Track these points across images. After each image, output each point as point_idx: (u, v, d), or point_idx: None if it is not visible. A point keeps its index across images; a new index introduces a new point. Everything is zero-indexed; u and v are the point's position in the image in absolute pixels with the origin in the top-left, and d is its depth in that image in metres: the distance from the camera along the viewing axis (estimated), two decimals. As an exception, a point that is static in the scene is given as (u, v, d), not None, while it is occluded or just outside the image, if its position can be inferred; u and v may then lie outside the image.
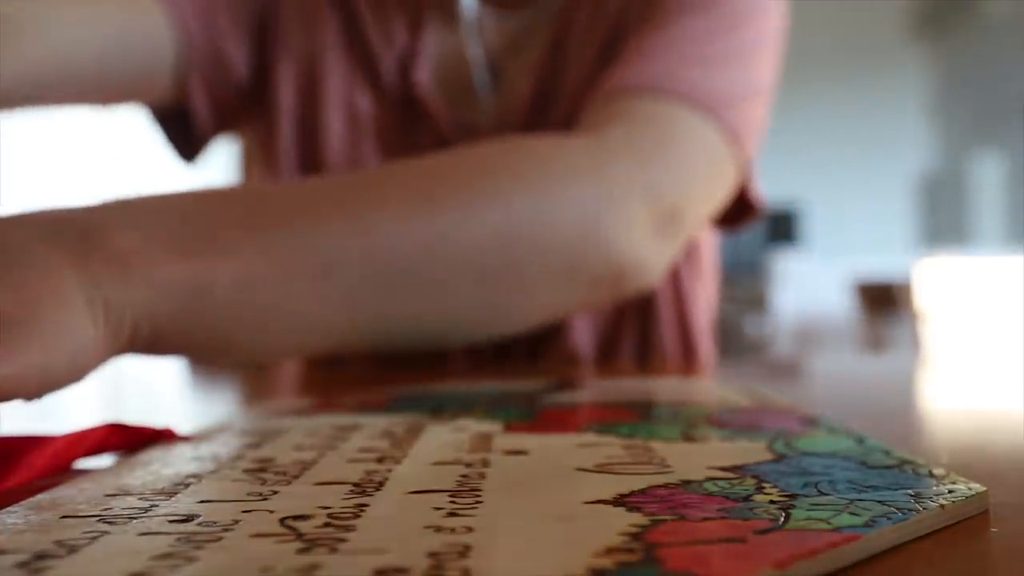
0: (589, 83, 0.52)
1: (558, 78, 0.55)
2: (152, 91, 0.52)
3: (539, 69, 0.55)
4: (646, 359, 0.59)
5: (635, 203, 0.42)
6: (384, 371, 0.55)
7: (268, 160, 0.57)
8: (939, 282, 2.96)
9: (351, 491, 0.21)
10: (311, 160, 0.55)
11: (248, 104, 0.56)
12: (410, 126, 0.55)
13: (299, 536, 0.17)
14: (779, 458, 0.24)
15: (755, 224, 0.60)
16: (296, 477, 0.22)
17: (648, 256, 0.43)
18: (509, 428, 0.29)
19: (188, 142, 0.56)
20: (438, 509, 0.19)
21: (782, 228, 4.40)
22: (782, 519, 0.18)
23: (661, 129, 0.45)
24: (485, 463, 0.24)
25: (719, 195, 0.49)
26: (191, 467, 0.24)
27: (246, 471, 0.23)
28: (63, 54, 0.44)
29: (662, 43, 0.48)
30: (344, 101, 0.55)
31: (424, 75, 0.55)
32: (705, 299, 0.63)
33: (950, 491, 0.20)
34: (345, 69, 0.55)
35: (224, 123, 0.56)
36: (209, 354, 0.32)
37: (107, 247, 0.29)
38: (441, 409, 0.33)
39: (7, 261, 0.28)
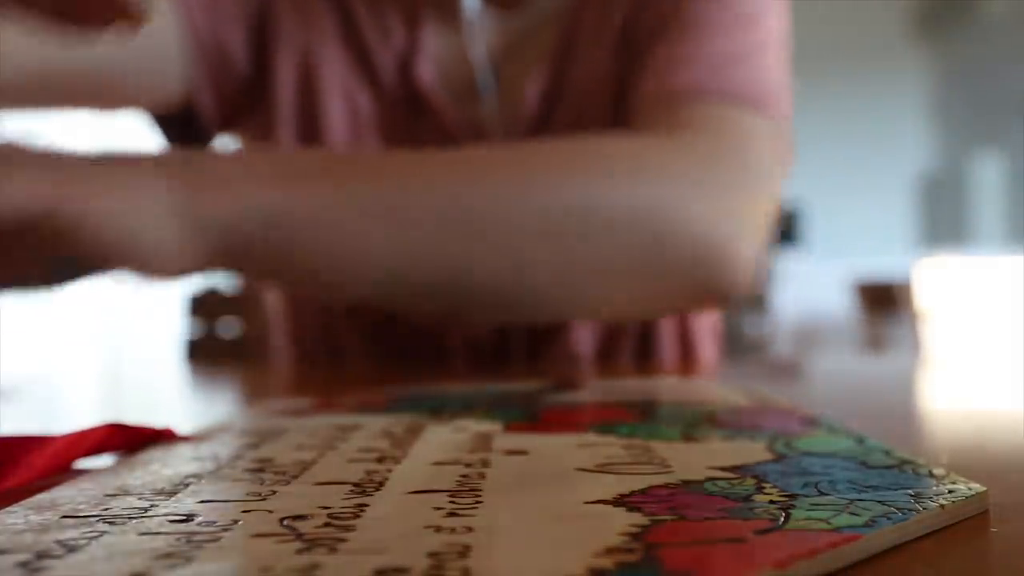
0: (600, 83, 0.53)
1: (565, 77, 0.55)
2: (158, 86, 0.51)
3: (547, 68, 0.55)
4: (646, 361, 0.59)
5: (733, 206, 0.42)
6: (384, 371, 0.55)
7: None
8: (939, 282, 2.96)
9: (351, 491, 0.21)
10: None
11: (250, 100, 0.56)
12: (412, 123, 0.55)
13: (299, 536, 0.17)
14: (779, 458, 0.24)
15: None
16: (296, 477, 0.22)
17: (749, 256, 0.43)
18: (509, 428, 0.29)
19: (190, 145, 0.56)
20: (438, 509, 0.19)
21: (782, 228, 4.40)
22: (782, 519, 0.18)
23: (736, 133, 0.46)
24: (485, 463, 0.24)
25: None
26: (191, 467, 0.24)
27: (246, 471, 0.23)
28: None
29: (694, 44, 0.48)
30: (343, 94, 0.55)
31: (427, 71, 0.55)
32: None
33: (950, 491, 0.20)
34: (343, 63, 0.55)
35: (228, 120, 0.56)
36: (282, 277, 0.35)
37: (207, 171, 0.33)
38: (441, 409, 0.33)
39: (112, 170, 0.32)
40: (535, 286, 0.38)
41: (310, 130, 0.55)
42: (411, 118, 0.55)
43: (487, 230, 0.36)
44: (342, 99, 0.55)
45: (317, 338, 0.61)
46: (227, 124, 0.57)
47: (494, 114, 0.55)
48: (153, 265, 0.32)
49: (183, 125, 0.55)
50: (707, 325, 0.63)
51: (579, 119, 0.53)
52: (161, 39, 0.50)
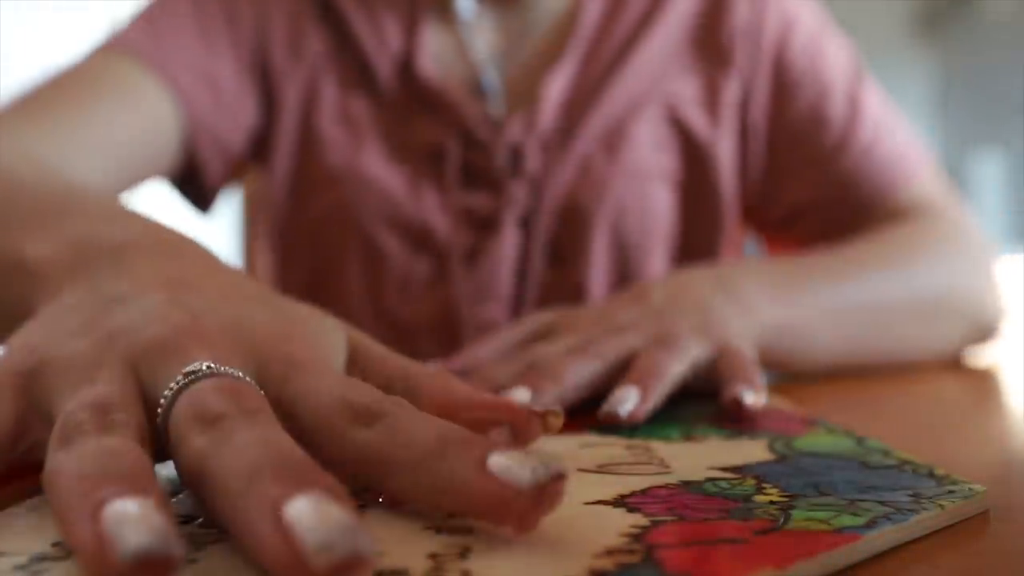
0: (646, 96, 0.55)
1: (602, 85, 0.55)
2: (163, 169, 0.52)
3: (572, 72, 0.55)
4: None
5: (994, 276, 0.56)
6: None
7: (267, 190, 0.57)
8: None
9: (351, 491, 0.21)
10: (311, 170, 0.55)
11: (257, 141, 0.56)
12: (412, 123, 0.55)
13: (299, 537, 0.17)
14: (779, 458, 0.24)
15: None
16: (296, 478, 0.22)
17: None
18: (509, 428, 0.29)
19: (201, 195, 0.56)
20: (438, 510, 0.19)
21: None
22: (782, 520, 0.18)
23: (948, 202, 0.58)
24: (485, 463, 0.24)
25: None
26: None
27: (246, 472, 0.23)
28: (90, 182, 0.44)
29: (872, 127, 0.57)
30: (339, 107, 0.55)
31: (430, 67, 0.55)
32: None
33: (950, 491, 0.20)
34: (338, 76, 0.55)
35: (234, 168, 0.56)
36: (765, 361, 0.43)
37: (740, 294, 0.44)
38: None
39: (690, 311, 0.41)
40: (902, 348, 0.50)
41: (307, 151, 0.55)
42: (411, 118, 0.55)
43: (884, 314, 0.49)
44: (338, 111, 0.55)
45: None
46: (234, 173, 0.57)
47: (501, 111, 0.55)
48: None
49: (192, 178, 0.54)
50: None
51: (620, 126, 0.55)
52: (162, 141, 0.50)
